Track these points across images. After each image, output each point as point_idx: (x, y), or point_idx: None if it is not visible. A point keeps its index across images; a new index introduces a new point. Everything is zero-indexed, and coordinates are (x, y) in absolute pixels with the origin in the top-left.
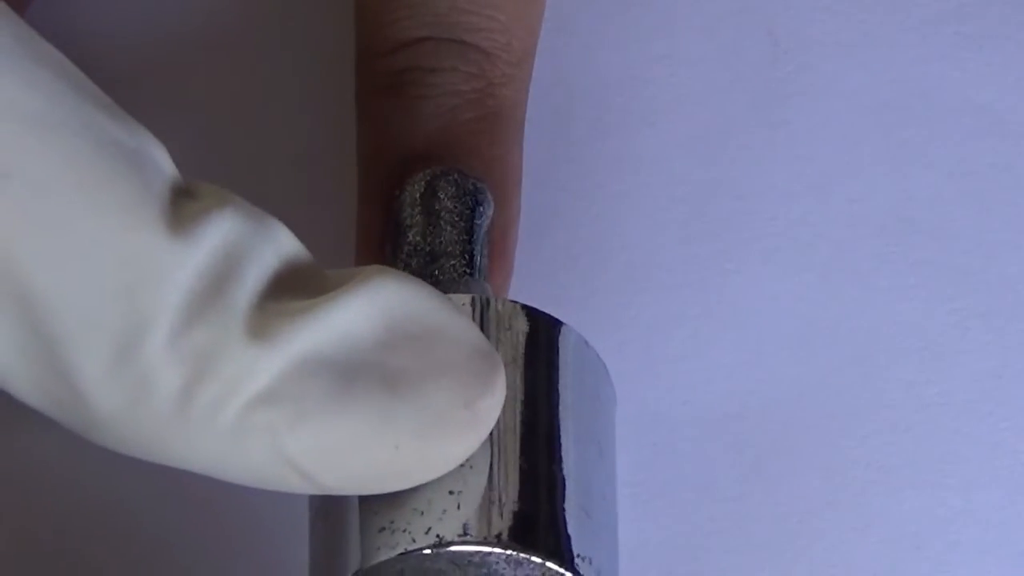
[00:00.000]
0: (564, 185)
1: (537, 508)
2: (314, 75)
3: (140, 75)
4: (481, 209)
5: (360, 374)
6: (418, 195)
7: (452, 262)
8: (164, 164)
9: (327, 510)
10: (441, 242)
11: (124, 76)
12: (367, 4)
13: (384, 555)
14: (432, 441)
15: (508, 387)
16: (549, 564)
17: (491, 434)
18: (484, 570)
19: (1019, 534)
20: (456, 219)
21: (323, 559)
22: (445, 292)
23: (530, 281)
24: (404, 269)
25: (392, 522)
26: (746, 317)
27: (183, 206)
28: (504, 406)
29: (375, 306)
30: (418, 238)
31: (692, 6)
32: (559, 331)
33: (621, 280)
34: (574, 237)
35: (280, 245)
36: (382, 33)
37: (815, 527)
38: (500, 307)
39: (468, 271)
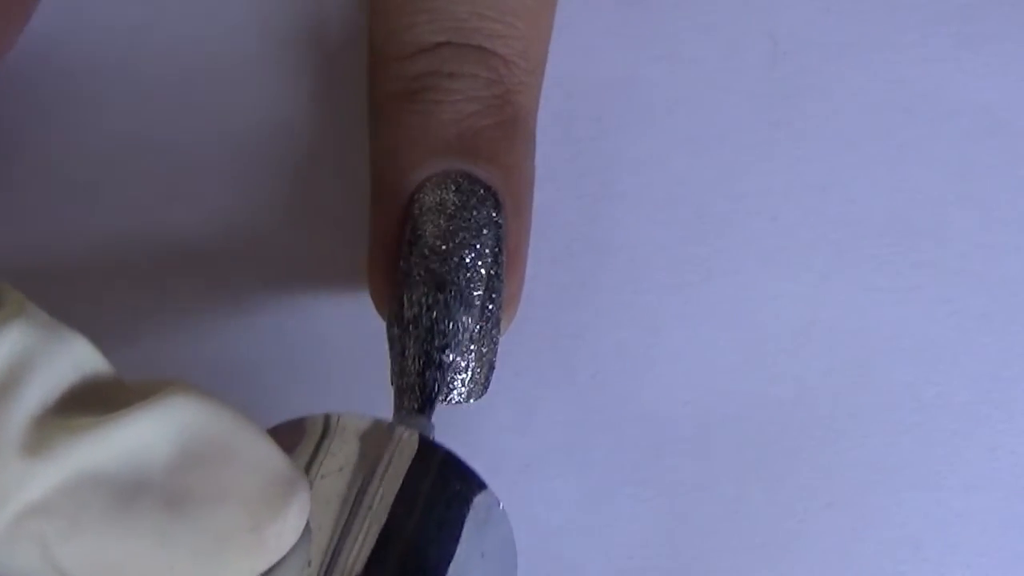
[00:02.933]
0: (564, 185)
1: None
2: (323, 78)
3: (142, 75)
4: (495, 215)
5: (142, 493)
6: (437, 199)
7: (468, 274)
8: None
9: None
10: (457, 247)
11: (125, 77)
12: (384, 8)
13: None
14: (211, 563)
15: (365, 501)
16: None
17: (322, 549)
18: None
19: (1018, 535)
20: (473, 223)
21: None
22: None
23: (530, 281)
24: (419, 271)
25: None
26: (746, 317)
27: None
28: (334, 523)
29: (168, 425)
30: (436, 241)
31: (692, 6)
32: (464, 477)
33: (621, 280)
34: (574, 237)
35: (77, 358)
36: (401, 37)
37: (815, 527)
38: (393, 431)
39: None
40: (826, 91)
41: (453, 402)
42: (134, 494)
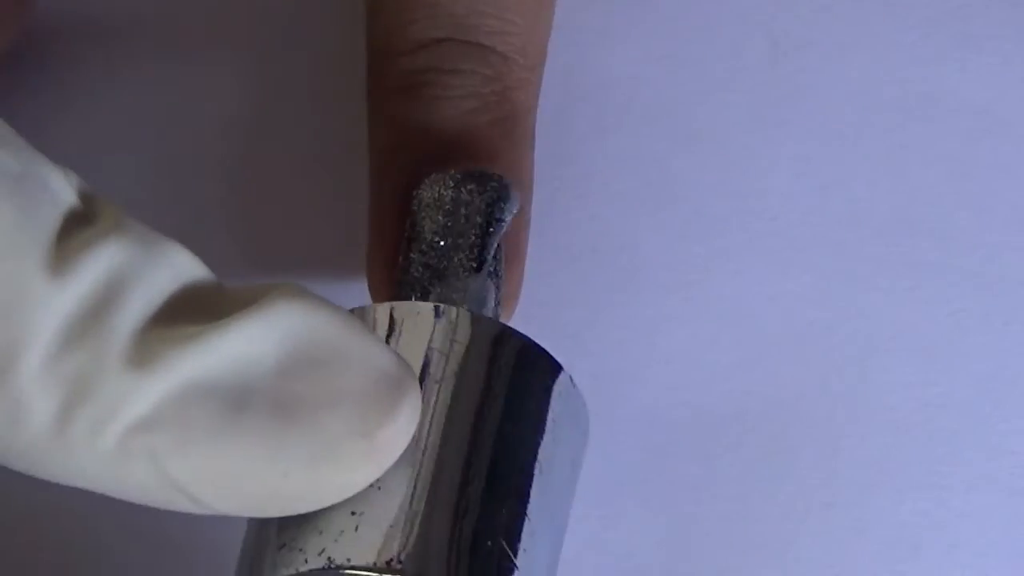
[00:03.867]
0: (564, 185)
1: (445, 536)
2: (319, 74)
3: (140, 74)
4: (503, 205)
5: (252, 401)
6: (437, 195)
7: (461, 255)
8: (59, 189)
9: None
10: (457, 242)
11: (124, 76)
12: (382, 4)
13: (278, 573)
14: (324, 470)
15: (440, 404)
16: None
17: (412, 454)
18: None
19: (1018, 535)
20: (476, 219)
21: (241, 566)
22: (448, 290)
23: (530, 281)
24: (420, 268)
25: (293, 539)
26: (746, 317)
27: (73, 233)
28: (429, 425)
29: (275, 330)
30: (436, 237)
31: (692, 6)
32: (533, 359)
33: (621, 280)
34: (574, 237)
35: (177, 269)
36: (400, 33)
37: (815, 527)
38: (463, 320)
39: (476, 268)
40: (826, 91)
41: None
42: (243, 402)
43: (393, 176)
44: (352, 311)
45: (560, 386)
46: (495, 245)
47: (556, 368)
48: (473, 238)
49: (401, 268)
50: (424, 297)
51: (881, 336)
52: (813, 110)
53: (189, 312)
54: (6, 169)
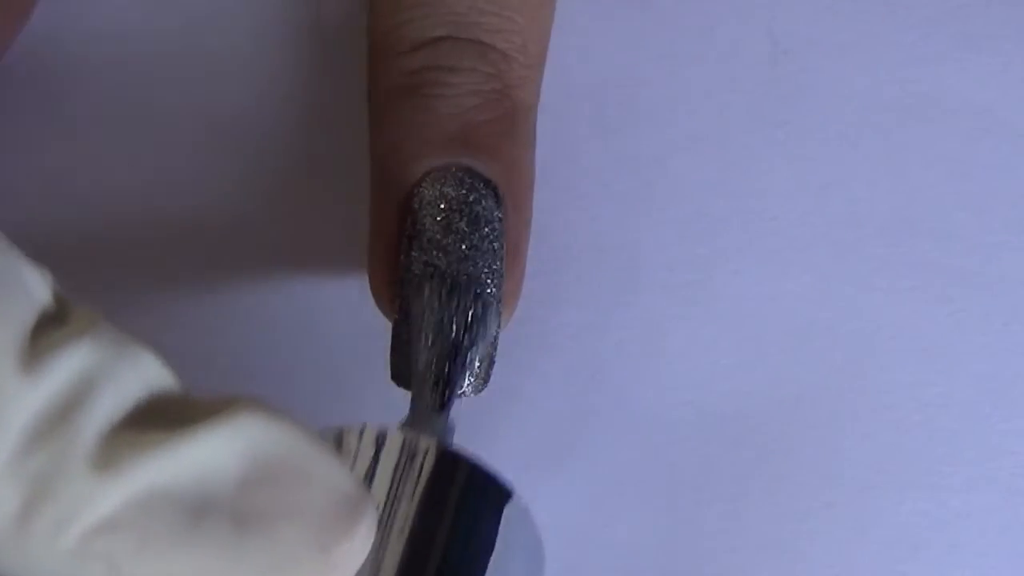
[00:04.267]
0: (564, 185)
1: None
2: (319, 73)
3: (140, 74)
4: (496, 209)
5: (212, 510)
6: (437, 192)
7: (468, 269)
8: (34, 287)
9: None
10: (457, 241)
11: (124, 76)
12: (383, 3)
13: None
14: None
15: (398, 520)
16: None
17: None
18: None
19: (1018, 535)
20: (475, 217)
21: None
22: (415, 426)
23: (530, 281)
24: (421, 266)
25: None
26: (746, 317)
27: (46, 333)
28: (388, 541)
29: (237, 442)
30: (436, 235)
31: (692, 6)
32: (483, 485)
33: (621, 280)
34: (574, 237)
35: (146, 374)
36: (400, 32)
37: (815, 527)
38: (417, 444)
39: (440, 407)
40: (826, 91)
41: (455, 395)
42: (203, 511)
43: (394, 174)
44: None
45: (512, 510)
46: (462, 385)
47: (508, 494)
48: (480, 242)
49: (402, 266)
50: (439, 298)
51: (881, 336)
52: (813, 110)
53: (155, 418)
54: None
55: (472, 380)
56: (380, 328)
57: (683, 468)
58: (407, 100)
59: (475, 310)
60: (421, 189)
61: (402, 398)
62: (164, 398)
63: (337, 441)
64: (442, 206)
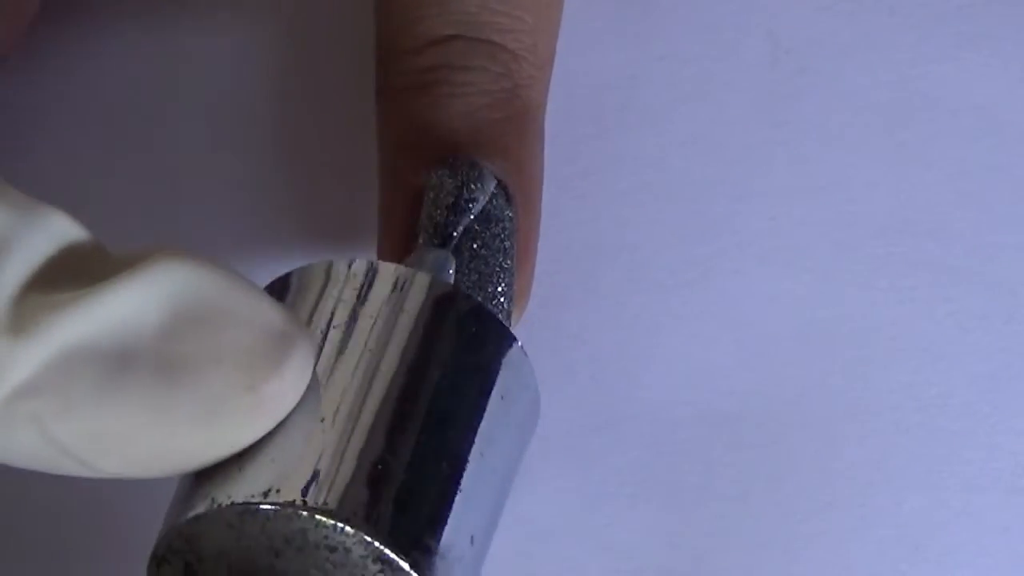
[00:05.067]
0: (564, 185)
1: (363, 488)
2: (328, 72)
3: (141, 75)
4: (506, 207)
5: (134, 362)
6: (449, 190)
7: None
8: None
9: None
10: (468, 239)
11: (125, 77)
12: (392, 1)
13: (186, 515)
14: (210, 427)
15: (389, 351)
16: (346, 528)
17: (336, 404)
18: (304, 548)
19: (1018, 535)
20: (485, 216)
21: (168, 512)
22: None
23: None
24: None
25: (210, 479)
26: (746, 317)
27: None
28: (351, 376)
29: (156, 291)
30: (448, 234)
31: (692, 6)
32: (484, 321)
33: (621, 280)
34: (574, 237)
35: (55, 232)
36: (410, 30)
37: (815, 527)
38: (412, 276)
39: (440, 244)
40: (826, 91)
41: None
42: (125, 364)
43: (403, 173)
44: (302, 269)
45: (512, 355)
46: (463, 224)
47: (509, 337)
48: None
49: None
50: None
51: (881, 336)
52: (813, 110)
53: (69, 276)
54: None
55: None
56: None
57: (683, 468)
58: (416, 99)
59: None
60: (431, 188)
61: None
62: (77, 253)
63: (326, 271)
64: (455, 203)
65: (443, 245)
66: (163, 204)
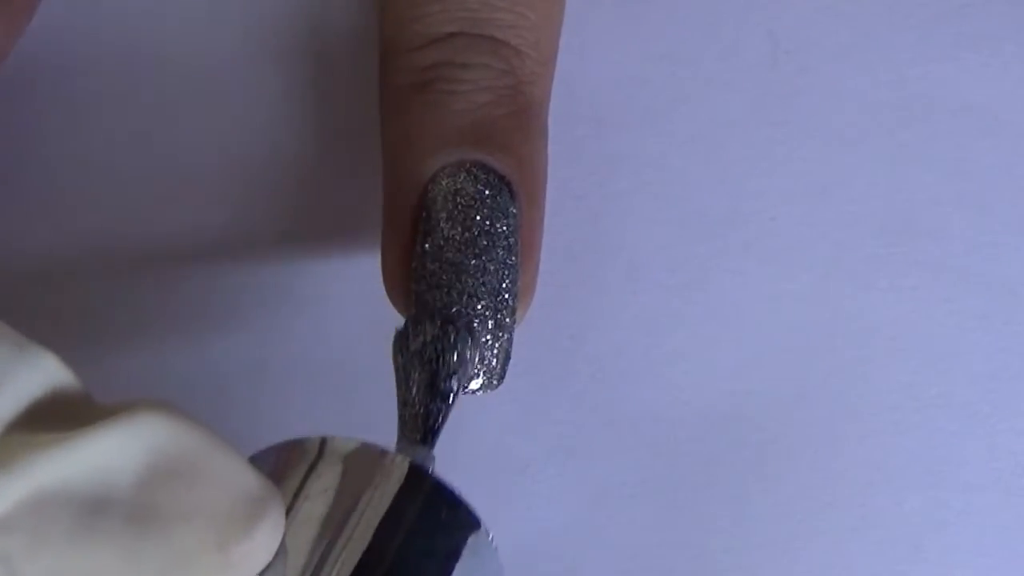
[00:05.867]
0: (564, 185)
1: None
2: (331, 70)
3: (141, 75)
4: (510, 204)
5: (108, 509)
6: (451, 188)
7: (483, 265)
8: None
9: None
10: (472, 236)
11: (125, 78)
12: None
13: None
14: None
15: (358, 530)
16: None
17: (301, 570)
18: None
19: (1017, 535)
20: (488, 213)
21: None
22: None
23: None
24: (434, 261)
25: None
26: (746, 317)
27: None
28: (318, 546)
29: (135, 442)
30: (451, 231)
31: (692, 6)
32: (452, 506)
33: (621, 280)
34: (574, 237)
35: (44, 375)
36: (412, 28)
37: (815, 527)
38: (389, 459)
39: (420, 439)
40: (826, 91)
41: (470, 391)
42: (99, 510)
43: (407, 170)
44: (292, 443)
45: (478, 541)
46: (440, 418)
47: (474, 521)
48: (492, 240)
49: (417, 260)
50: (431, 330)
51: (881, 336)
52: (813, 110)
53: (54, 418)
54: None
55: (483, 376)
56: (394, 322)
57: (683, 468)
58: (420, 96)
59: (461, 350)
60: (435, 185)
61: None
62: (64, 398)
63: (305, 448)
64: (456, 201)
65: (424, 441)
66: (163, 204)
